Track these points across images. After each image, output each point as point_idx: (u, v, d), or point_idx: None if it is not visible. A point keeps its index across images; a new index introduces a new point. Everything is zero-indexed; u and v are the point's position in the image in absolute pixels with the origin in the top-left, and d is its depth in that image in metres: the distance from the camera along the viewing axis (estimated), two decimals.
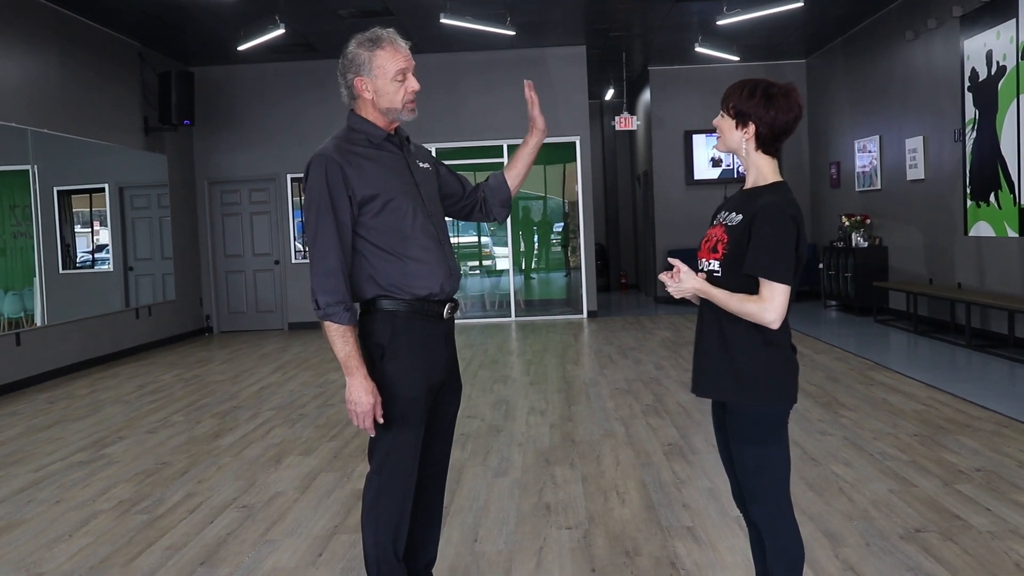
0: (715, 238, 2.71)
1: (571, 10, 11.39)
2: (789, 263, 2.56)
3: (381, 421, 2.88)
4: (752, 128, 2.69)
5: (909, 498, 4.49)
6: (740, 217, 2.67)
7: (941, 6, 10.02)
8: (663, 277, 2.69)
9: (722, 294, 2.62)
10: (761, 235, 2.57)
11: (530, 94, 3.29)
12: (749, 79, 2.75)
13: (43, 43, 9.77)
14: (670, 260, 2.71)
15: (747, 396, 2.65)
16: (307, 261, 13.97)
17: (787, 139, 2.75)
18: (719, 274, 2.67)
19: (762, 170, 2.73)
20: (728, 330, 2.67)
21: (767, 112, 2.65)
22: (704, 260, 2.75)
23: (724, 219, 2.74)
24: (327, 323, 2.85)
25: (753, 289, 2.62)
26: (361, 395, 2.84)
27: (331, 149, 2.92)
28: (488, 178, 3.41)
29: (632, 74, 15.89)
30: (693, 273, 2.68)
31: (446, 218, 3.25)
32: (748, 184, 2.77)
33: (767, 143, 2.70)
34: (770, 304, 2.56)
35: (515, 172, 3.39)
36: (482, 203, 3.36)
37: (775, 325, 2.57)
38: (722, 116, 2.76)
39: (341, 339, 2.85)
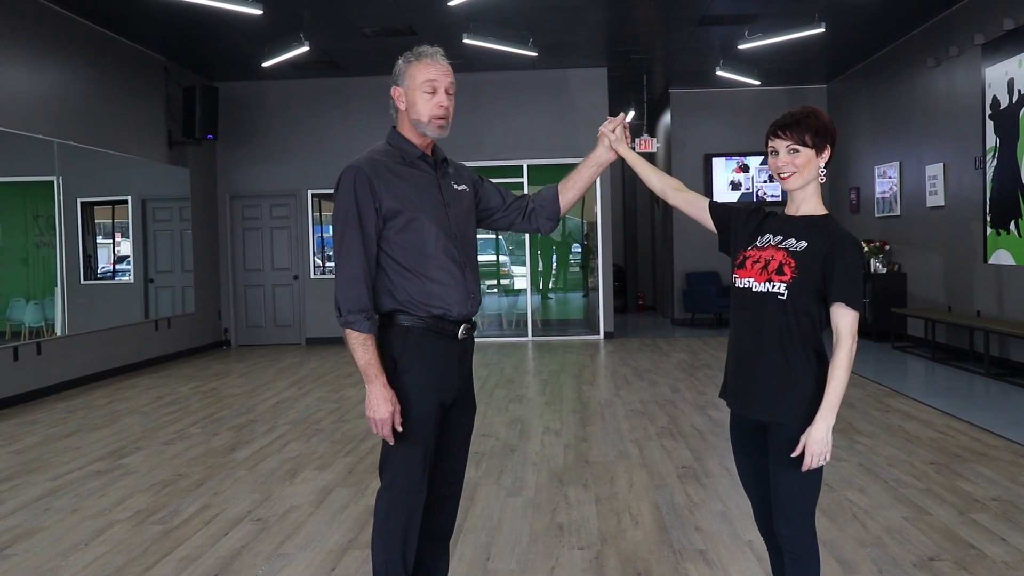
0: (776, 260, 2.72)
1: (593, 32, 11.46)
2: (862, 293, 2.68)
3: (400, 430, 2.90)
4: (828, 152, 2.75)
5: (923, 526, 4.47)
6: (806, 244, 2.70)
7: (963, 34, 10.02)
8: (813, 463, 2.65)
9: (836, 397, 2.64)
10: (846, 265, 2.64)
11: (622, 122, 3.29)
12: (790, 112, 2.77)
13: (70, 56, 9.91)
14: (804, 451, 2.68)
15: (807, 417, 2.66)
16: (326, 277, 14.10)
17: None
18: (783, 296, 2.69)
19: (816, 198, 2.80)
20: (789, 351, 2.69)
21: (833, 132, 2.75)
22: (755, 281, 2.74)
23: (780, 243, 2.75)
24: (348, 331, 2.89)
25: (812, 311, 2.68)
26: (380, 403, 2.86)
27: (363, 161, 2.95)
28: (541, 190, 3.41)
29: (653, 96, 15.94)
30: (815, 436, 2.63)
31: (489, 228, 3.30)
32: (800, 211, 2.80)
33: (827, 164, 2.79)
34: (851, 336, 2.65)
35: (569, 185, 3.34)
36: (529, 214, 3.34)
37: (856, 348, 2.65)
38: (795, 152, 2.74)
39: (362, 347, 2.88)
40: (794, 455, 2.66)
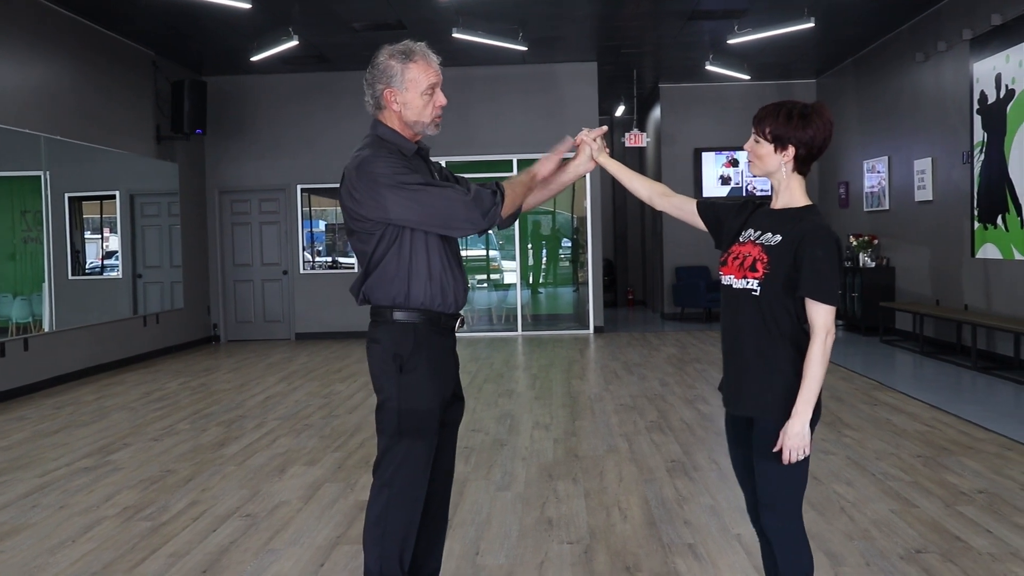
0: (752, 257, 2.73)
1: (583, 27, 11.45)
2: (838, 285, 2.65)
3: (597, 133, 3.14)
4: (791, 151, 2.72)
5: (910, 519, 4.49)
6: (779, 238, 2.69)
7: (951, 29, 10.05)
8: (791, 458, 2.64)
9: (811, 392, 2.62)
10: (814, 259, 2.61)
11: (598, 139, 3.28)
12: (779, 102, 2.77)
13: (58, 50, 9.86)
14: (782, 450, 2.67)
15: (787, 412, 2.67)
16: (316, 272, 14.03)
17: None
18: (757, 292, 2.69)
19: (794, 192, 2.78)
20: (767, 347, 2.70)
21: (805, 133, 2.70)
22: (735, 278, 2.76)
23: (758, 238, 2.75)
24: (506, 203, 2.96)
25: (787, 306, 2.67)
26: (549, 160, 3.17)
27: (380, 151, 2.93)
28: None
29: (643, 91, 15.94)
30: (792, 430, 2.63)
31: None
32: (779, 204, 2.80)
33: (804, 164, 2.75)
34: (824, 330, 2.62)
35: (541, 185, 3.30)
36: None
37: (832, 341, 2.63)
38: (757, 141, 2.77)
39: (517, 186, 3.03)
40: (775, 450, 2.68)
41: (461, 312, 3.12)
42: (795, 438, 2.63)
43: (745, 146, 2.83)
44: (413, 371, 2.93)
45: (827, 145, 2.75)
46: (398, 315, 2.96)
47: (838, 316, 12.81)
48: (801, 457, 2.64)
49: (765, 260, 2.69)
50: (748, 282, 2.72)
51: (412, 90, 2.96)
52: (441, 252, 2.99)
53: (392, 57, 2.97)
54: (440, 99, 3.01)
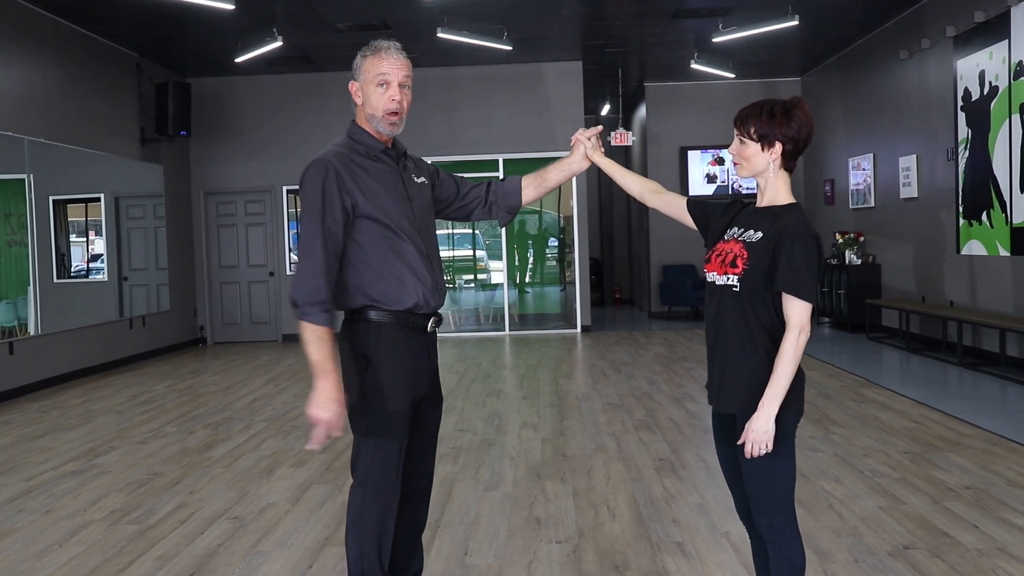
0: (733, 253, 2.73)
1: (568, 26, 11.45)
2: (816, 282, 2.64)
3: (338, 435, 2.89)
4: (779, 147, 2.73)
5: (898, 515, 4.51)
6: (760, 235, 2.70)
7: (935, 26, 10.09)
8: (754, 451, 2.64)
9: (779, 387, 2.62)
10: (791, 255, 2.61)
11: (593, 138, 3.29)
12: (758, 102, 2.78)
13: (41, 53, 9.80)
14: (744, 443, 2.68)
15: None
16: None
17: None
18: (737, 288, 2.70)
19: (779, 190, 2.79)
20: (748, 344, 2.70)
21: (790, 128, 2.71)
22: (717, 274, 2.76)
23: (740, 236, 2.76)
24: (303, 323, 2.84)
25: (767, 302, 2.68)
26: (330, 403, 2.84)
27: (331, 156, 2.94)
28: (504, 179, 3.40)
29: (628, 90, 15.95)
30: (756, 424, 2.62)
31: (447, 220, 3.32)
32: (764, 203, 2.81)
33: (791, 159, 2.76)
34: (798, 326, 2.62)
35: (536, 183, 3.35)
36: (489, 205, 3.35)
37: (806, 338, 2.63)
38: (742, 143, 2.77)
39: (317, 341, 2.83)
40: (738, 443, 2.69)
41: (439, 311, 3.12)
42: (758, 432, 2.62)
43: (730, 150, 2.84)
44: (377, 370, 2.93)
45: (811, 138, 2.77)
46: (366, 313, 2.96)
47: (825, 313, 12.98)
48: (764, 452, 2.64)
49: (745, 256, 2.70)
50: (729, 278, 2.73)
51: (368, 82, 2.96)
52: (412, 250, 2.98)
53: (360, 52, 3.01)
54: (392, 92, 2.96)
